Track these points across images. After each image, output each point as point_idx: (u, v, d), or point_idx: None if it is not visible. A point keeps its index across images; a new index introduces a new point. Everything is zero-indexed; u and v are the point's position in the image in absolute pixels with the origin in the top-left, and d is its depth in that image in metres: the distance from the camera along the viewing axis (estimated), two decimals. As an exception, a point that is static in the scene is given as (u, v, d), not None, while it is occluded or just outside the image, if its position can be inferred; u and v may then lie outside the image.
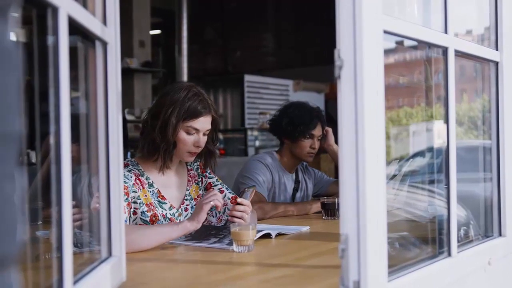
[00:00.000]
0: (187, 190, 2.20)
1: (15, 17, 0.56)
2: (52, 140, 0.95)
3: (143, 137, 2.09)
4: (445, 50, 1.42)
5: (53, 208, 0.96)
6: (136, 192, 2.02)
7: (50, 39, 0.96)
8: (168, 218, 2.08)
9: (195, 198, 2.21)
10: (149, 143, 2.07)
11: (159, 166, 2.10)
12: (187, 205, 2.18)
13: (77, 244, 1.25)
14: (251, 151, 7.06)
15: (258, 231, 1.92)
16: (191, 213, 2.14)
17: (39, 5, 0.92)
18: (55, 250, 0.97)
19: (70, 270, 0.96)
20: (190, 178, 2.23)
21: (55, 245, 0.97)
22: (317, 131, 2.86)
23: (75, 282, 1.03)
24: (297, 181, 3.00)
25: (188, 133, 2.05)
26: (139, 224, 2.02)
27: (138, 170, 2.09)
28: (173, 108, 2.01)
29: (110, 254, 1.29)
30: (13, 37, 0.54)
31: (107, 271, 1.22)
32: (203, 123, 2.06)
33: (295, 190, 2.98)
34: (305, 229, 2.23)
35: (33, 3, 0.91)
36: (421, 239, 1.61)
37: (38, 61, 0.98)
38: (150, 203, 2.05)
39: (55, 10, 0.94)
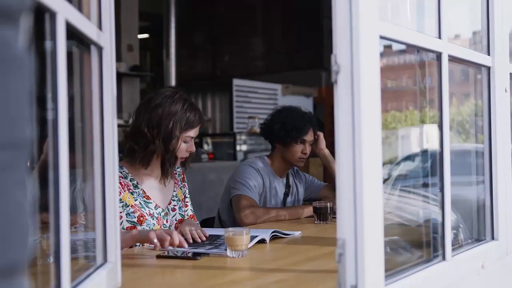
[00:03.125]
0: (174, 191, 2.28)
1: (25, 24, 0.56)
2: (49, 145, 0.94)
3: (140, 147, 2.11)
4: (439, 55, 1.43)
5: (50, 213, 0.95)
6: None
7: (47, 44, 0.95)
8: (155, 217, 2.14)
9: (181, 200, 2.29)
10: (148, 153, 2.11)
11: (159, 176, 2.17)
12: (174, 205, 2.25)
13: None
14: (240, 155, 7.05)
15: (253, 237, 1.92)
16: (179, 213, 2.25)
17: (36, 9, 0.91)
18: (50, 256, 0.96)
19: (68, 277, 0.95)
20: (176, 181, 2.31)
21: (51, 251, 0.96)
22: (309, 137, 2.87)
23: (72, 288, 1.02)
24: (287, 186, 2.99)
25: (185, 141, 2.16)
26: (126, 227, 2.05)
27: (121, 173, 2.13)
28: (174, 121, 2.10)
29: (105, 260, 1.28)
30: (23, 43, 0.54)
31: (103, 277, 1.22)
32: (197, 130, 2.20)
33: (286, 194, 2.98)
34: (297, 234, 2.23)
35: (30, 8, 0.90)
36: (414, 243, 1.62)
37: (34, 65, 0.97)
38: (135, 204, 2.09)
39: (53, 15, 0.93)
